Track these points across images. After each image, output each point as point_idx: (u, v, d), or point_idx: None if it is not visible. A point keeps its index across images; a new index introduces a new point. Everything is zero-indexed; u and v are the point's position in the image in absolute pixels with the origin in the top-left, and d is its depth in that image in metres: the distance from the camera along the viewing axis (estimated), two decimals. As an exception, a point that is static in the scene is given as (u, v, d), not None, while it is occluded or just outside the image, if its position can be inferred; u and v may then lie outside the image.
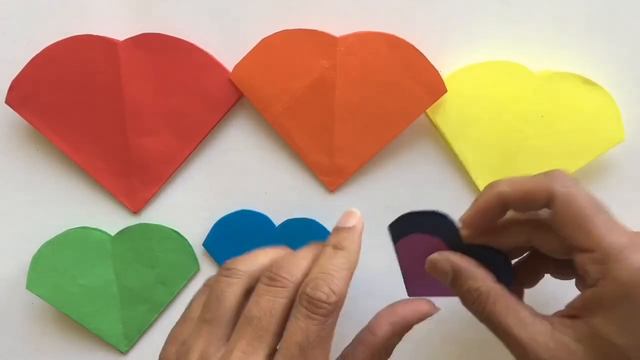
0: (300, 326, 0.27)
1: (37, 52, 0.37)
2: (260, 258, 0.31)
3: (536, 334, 0.28)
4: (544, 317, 0.29)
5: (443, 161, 0.39)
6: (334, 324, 0.28)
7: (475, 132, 0.37)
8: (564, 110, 0.37)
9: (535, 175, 0.29)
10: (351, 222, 0.32)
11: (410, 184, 0.39)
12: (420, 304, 0.32)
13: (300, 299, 0.28)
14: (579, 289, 0.31)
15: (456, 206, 0.38)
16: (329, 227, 0.39)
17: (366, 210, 0.39)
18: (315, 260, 0.30)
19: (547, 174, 0.29)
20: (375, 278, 0.39)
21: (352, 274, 0.30)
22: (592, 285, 0.27)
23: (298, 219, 0.39)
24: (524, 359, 0.28)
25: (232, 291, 0.29)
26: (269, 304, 0.28)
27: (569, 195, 0.27)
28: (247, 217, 0.39)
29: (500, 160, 0.38)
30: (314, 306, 0.27)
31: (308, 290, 0.28)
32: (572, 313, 0.28)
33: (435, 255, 0.32)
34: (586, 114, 0.37)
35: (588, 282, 0.27)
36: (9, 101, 0.38)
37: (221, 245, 0.39)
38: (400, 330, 0.31)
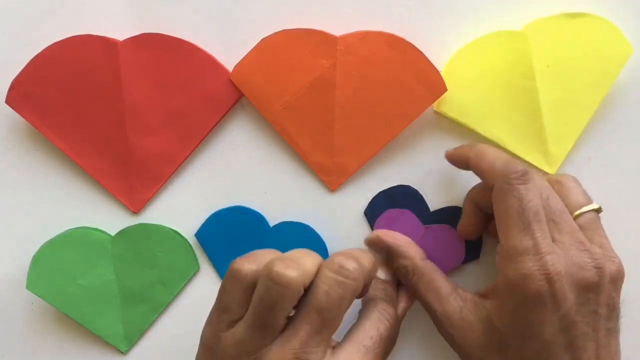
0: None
1: (37, 52, 0.37)
2: (308, 264, 0.30)
3: (449, 310, 0.32)
4: (462, 295, 0.33)
5: (443, 160, 0.39)
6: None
7: (492, 108, 0.38)
8: (564, 50, 0.37)
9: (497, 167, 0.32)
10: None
11: (411, 183, 0.39)
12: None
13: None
14: None
15: (456, 205, 0.39)
16: (330, 227, 0.39)
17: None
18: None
19: (504, 164, 0.32)
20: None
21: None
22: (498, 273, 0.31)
23: (293, 223, 0.38)
24: (440, 331, 0.33)
25: (286, 302, 0.28)
26: (339, 297, 0.28)
27: (501, 191, 0.31)
28: (243, 213, 0.39)
29: (527, 124, 0.38)
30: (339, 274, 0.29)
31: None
32: (484, 293, 0.33)
33: (370, 235, 0.37)
34: (587, 44, 0.37)
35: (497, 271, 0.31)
36: (9, 101, 0.38)
37: (213, 238, 0.39)
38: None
